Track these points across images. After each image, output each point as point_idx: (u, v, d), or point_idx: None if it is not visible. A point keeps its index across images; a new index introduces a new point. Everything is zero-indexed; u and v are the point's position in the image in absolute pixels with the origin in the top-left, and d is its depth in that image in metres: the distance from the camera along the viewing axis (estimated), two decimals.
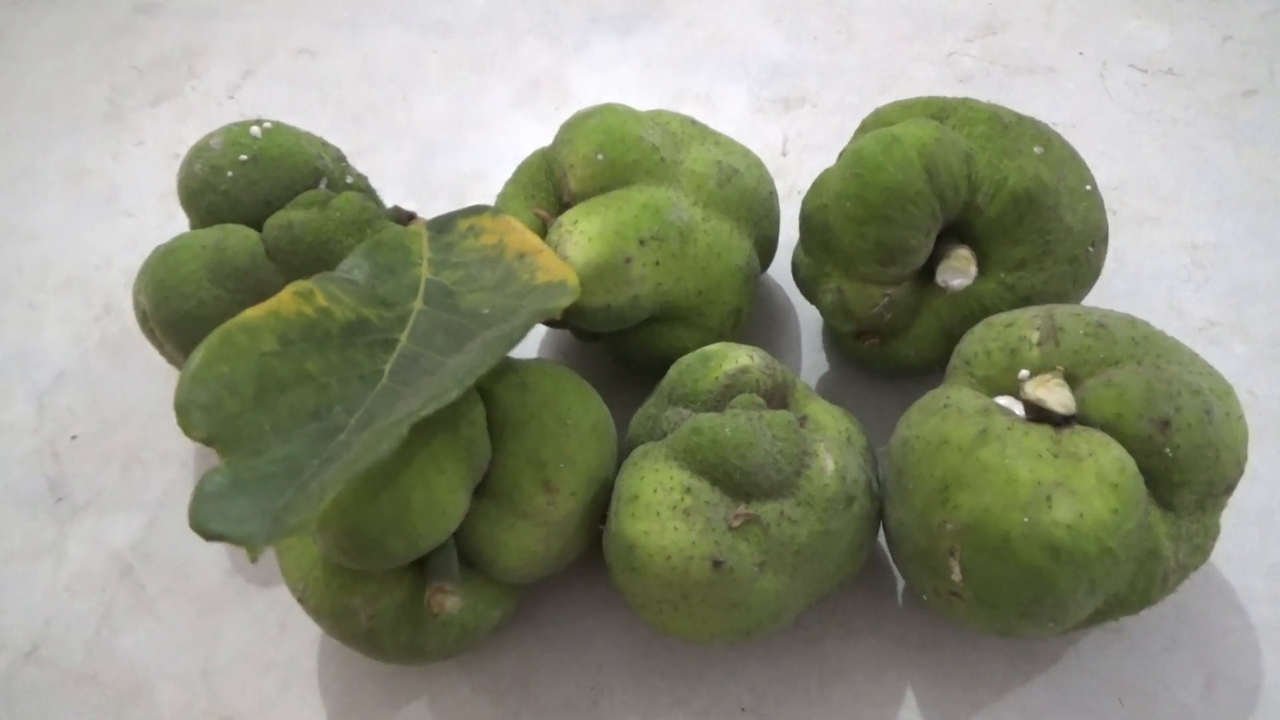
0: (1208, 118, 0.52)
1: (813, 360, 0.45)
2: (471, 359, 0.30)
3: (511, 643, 0.38)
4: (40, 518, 0.43)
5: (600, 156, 0.38)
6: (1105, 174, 0.49)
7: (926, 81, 0.55)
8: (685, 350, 0.37)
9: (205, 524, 0.25)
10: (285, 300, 0.31)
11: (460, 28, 0.62)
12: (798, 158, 0.53)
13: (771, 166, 0.52)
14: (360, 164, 0.46)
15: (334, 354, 0.30)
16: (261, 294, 0.37)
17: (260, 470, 0.26)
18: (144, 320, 0.40)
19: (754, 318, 0.46)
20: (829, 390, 0.44)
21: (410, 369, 0.31)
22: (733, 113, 0.55)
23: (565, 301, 0.34)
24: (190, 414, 0.27)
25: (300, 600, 0.34)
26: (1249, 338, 0.43)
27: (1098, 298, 0.44)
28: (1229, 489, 0.31)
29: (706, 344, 0.37)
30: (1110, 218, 0.47)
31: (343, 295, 0.33)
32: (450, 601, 0.31)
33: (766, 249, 0.42)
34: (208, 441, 0.27)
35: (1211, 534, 0.32)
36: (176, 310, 0.37)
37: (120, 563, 0.41)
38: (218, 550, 0.41)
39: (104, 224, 0.55)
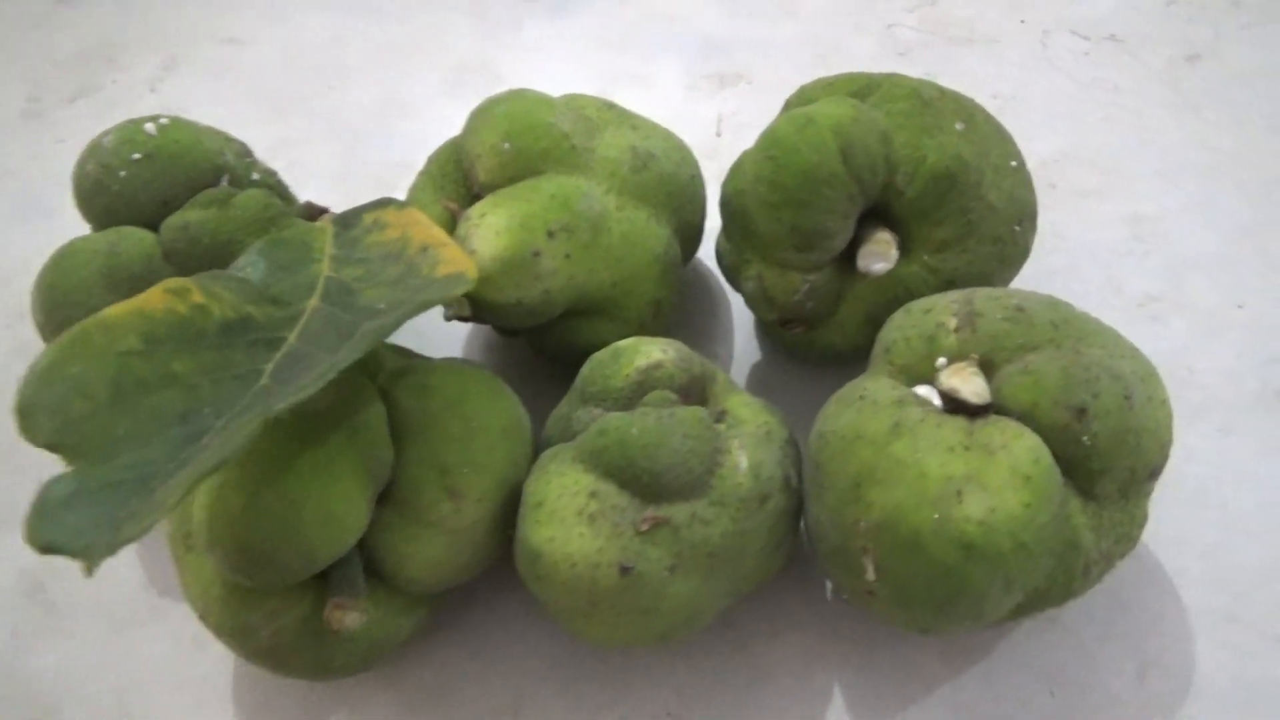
0: (1151, 84, 0.50)
1: (744, 349, 0.44)
2: (340, 354, 0.29)
3: (432, 652, 0.37)
4: None
5: (507, 145, 0.36)
6: (1046, 146, 0.48)
7: (865, 54, 0.54)
8: (605, 344, 0.36)
9: (39, 536, 0.23)
10: (154, 297, 0.29)
11: (388, 10, 0.60)
12: (732, 137, 0.51)
13: (705, 147, 0.50)
14: (287, 155, 0.45)
15: (208, 353, 0.29)
16: None
17: (108, 477, 0.25)
18: (40, 330, 0.38)
19: (684, 306, 0.45)
20: (760, 379, 0.43)
21: (294, 368, 0.30)
22: (667, 93, 0.54)
23: (458, 291, 0.32)
24: (34, 417, 0.26)
25: (201, 618, 0.33)
26: (1188, 312, 0.42)
27: (1033, 275, 0.42)
28: (1153, 475, 0.30)
29: (627, 337, 0.35)
30: (1049, 191, 0.46)
31: (224, 293, 0.31)
32: (350, 617, 0.30)
33: (691, 236, 0.41)
34: (51, 448, 0.25)
35: (1138, 521, 0.31)
36: (69, 319, 0.36)
37: (30, 579, 0.40)
38: (131, 564, 0.40)
39: (22, 226, 0.53)
